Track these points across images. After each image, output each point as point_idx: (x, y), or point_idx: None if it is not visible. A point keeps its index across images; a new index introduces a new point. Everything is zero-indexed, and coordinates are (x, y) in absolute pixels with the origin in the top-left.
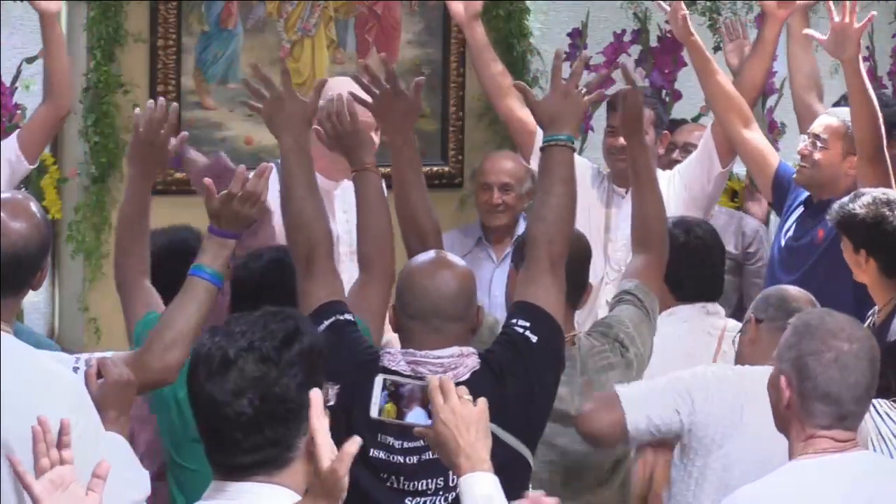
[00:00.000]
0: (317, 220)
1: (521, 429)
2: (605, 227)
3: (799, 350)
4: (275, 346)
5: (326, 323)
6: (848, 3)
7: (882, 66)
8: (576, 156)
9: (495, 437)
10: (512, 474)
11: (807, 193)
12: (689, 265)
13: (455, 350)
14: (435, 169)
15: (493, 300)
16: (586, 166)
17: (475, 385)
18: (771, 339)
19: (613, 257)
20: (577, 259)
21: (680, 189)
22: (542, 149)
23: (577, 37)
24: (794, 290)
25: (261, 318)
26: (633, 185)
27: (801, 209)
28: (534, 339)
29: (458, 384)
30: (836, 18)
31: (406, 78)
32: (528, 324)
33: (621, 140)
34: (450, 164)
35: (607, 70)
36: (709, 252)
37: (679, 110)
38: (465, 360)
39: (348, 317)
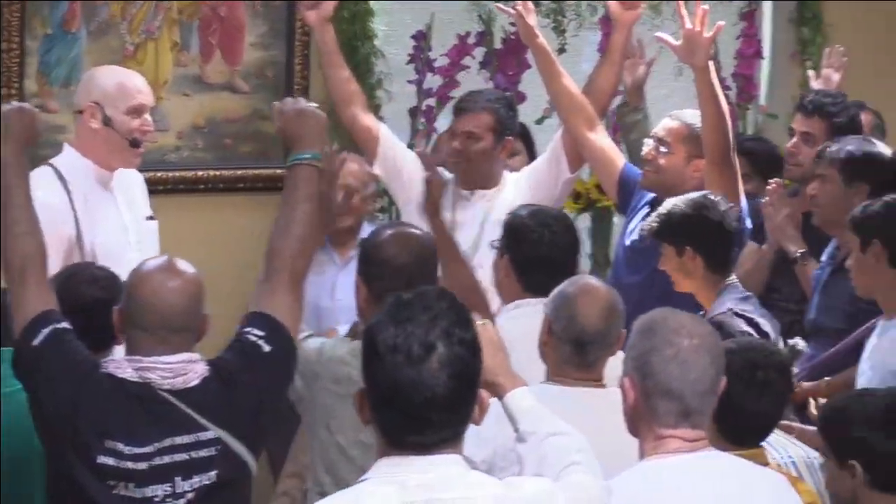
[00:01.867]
0: (33, 233)
1: (248, 438)
2: (450, 229)
3: (641, 349)
4: (462, 326)
5: (45, 332)
6: (700, 10)
7: (726, 68)
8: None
9: (225, 446)
10: (237, 484)
11: (652, 194)
12: (539, 259)
13: (184, 356)
14: (278, 171)
15: (337, 304)
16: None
17: (204, 391)
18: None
19: None
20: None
21: (526, 191)
22: (287, 167)
23: (422, 39)
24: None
25: (434, 299)
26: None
27: (646, 209)
28: (267, 348)
29: (186, 390)
30: (688, 25)
31: (250, 80)
32: (262, 333)
33: (457, 144)
34: None
35: (451, 72)
36: (561, 248)
37: (523, 112)
38: (194, 366)
39: (65, 325)
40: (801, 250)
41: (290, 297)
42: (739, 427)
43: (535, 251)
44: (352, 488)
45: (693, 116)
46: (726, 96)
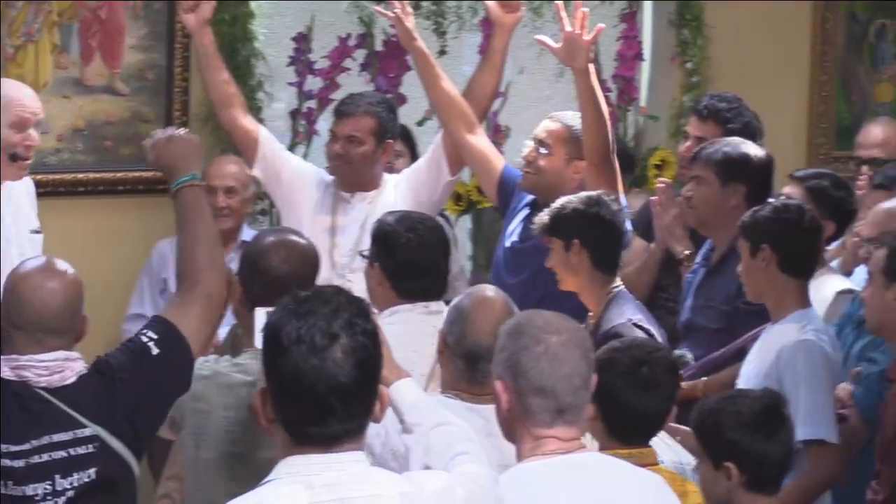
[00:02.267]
0: None
1: (127, 437)
2: (331, 232)
3: (510, 350)
4: (363, 317)
5: None
6: (579, 13)
7: (607, 70)
8: (301, 161)
9: (103, 443)
10: (119, 484)
11: (532, 196)
12: (410, 264)
13: (60, 354)
14: (159, 174)
15: None
16: (312, 172)
17: (81, 388)
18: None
19: (339, 262)
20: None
21: (407, 193)
22: (172, 195)
23: (302, 41)
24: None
25: (333, 294)
26: None
27: (526, 211)
28: (155, 351)
29: (62, 388)
30: (568, 28)
31: (130, 82)
32: (155, 337)
33: (338, 148)
34: None
35: (332, 74)
36: (431, 251)
37: (404, 114)
38: (71, 364)
39: None
40: (688, 251)
41: (198, 310)
42: (626, 425)
43: (407, 256)
44: (257, 490)
45: (573, 118)
46: (606, 98)
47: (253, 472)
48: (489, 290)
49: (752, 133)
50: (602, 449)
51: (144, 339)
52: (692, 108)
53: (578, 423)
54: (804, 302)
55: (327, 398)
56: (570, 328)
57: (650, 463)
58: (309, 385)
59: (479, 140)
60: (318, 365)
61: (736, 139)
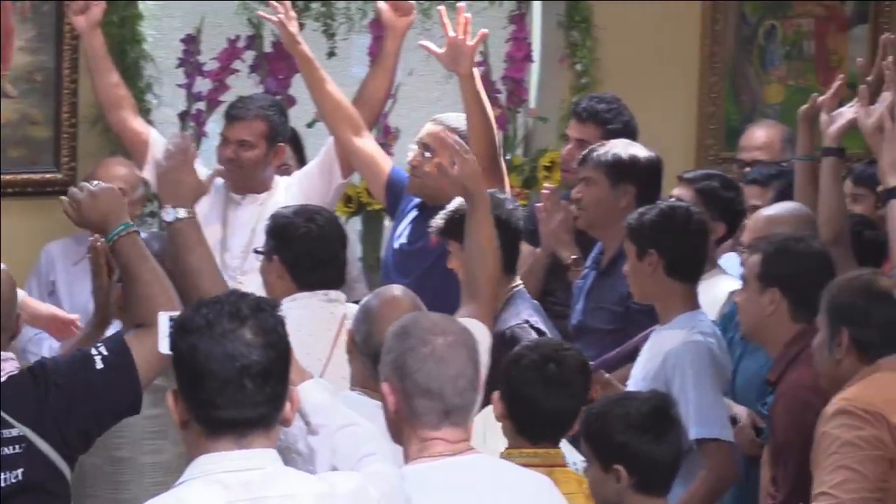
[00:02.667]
0: None
1: (57, 441)
2: (223, 235)
3: (396, 352)
4: (270, 306)
5: None
6: (462, 18)
7: (496, 72)
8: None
9: (31, 444)
10: (49, 488)
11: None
12: (309, 254)
13: None
14: (47, 176)
15: None
16: (202, 174)
17: (10, 388)
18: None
19: (231, 265)
20: None
21: (298, 195)
22: (110, 247)
23: (191, 42)
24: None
25: (236, 291)
26: None
27: (414, 213)
28: (100, 365)
29: None
30: (451, 33)
31: (19, 84)
32: (105, 352)
33: (230, 152)
34: (62, 170)
35: (221, 76)
36: (328, 241)
37: (294, 116)
38: (3, 364)
39: None
40: (575, 256)
41: (150, 335)
42: (534, 423)
43: (306, 247)
44: (173, 491)
45: (457, 120)
46: (496, 100)
47: (135, 477)
48: (397, 290)
49: (632, 132)
50: (510, 448)
51: (94, 350)
52: (572, 110)
53: (466, 425)
54: (692, 304)
55: (240, 377)
56: (456, 329)
57: (557, 464)
58: (220, 366)
59: (366, 143)
60: (229, 345)
61: (624, 141)
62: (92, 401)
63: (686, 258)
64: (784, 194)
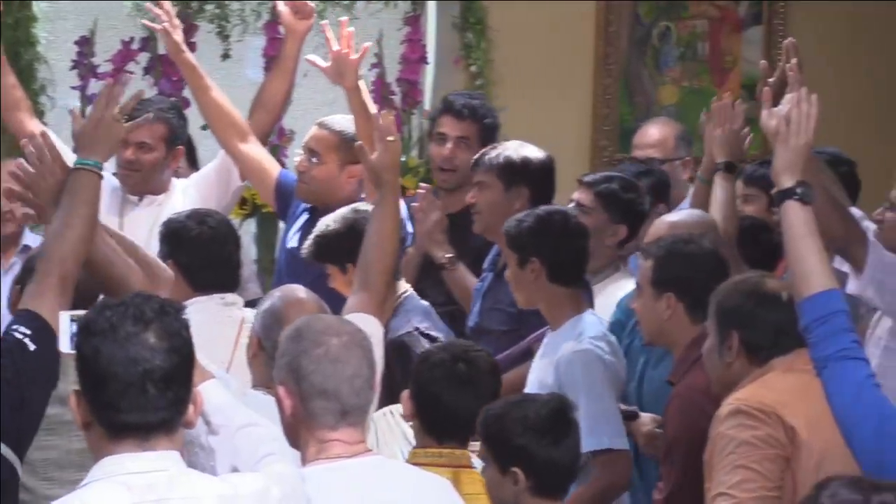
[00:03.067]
0: None
1: (10, 436)
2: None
3: (291, 354)
4: (175, 309)
5: None
6: (346, 32)
7: (391, 73)
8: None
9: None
10: (5, 488)
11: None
12: (202, 256)
13: None
14: None
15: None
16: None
17: None
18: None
19: None
20: None
21: (196, 198)
22: (72, 170)
23: (85, 45)
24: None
25: (140, 292)
26: None
27: (305, 216)
28: (32, 347)
29: None
30: (335, 47)
31: None
32: (28, 332)
33: (129, 154)
34: None
35: (116, 78)
36: (222, 242)
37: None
38: None
39: None
40: (449, 255)
41: (59, 301)
42: (441, 423)
43: (199, 248)
44: (77, 493)
45: (342, 122)
46: (391, 101)
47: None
48: (301, 292)
49: (497, 128)
50: (417, 448)
51: (18, 335)
52: (445, 109)
53: (362, 425)
54: (579, 307)
55: (142, 382)
56: (350, 330)
57: (463, 465)
58: (123, 369)
59: (252, 149)
60: (132, 349)
61: (515, 143)
62: (36, 386)
63: (567, 263)
64: (655, 191)
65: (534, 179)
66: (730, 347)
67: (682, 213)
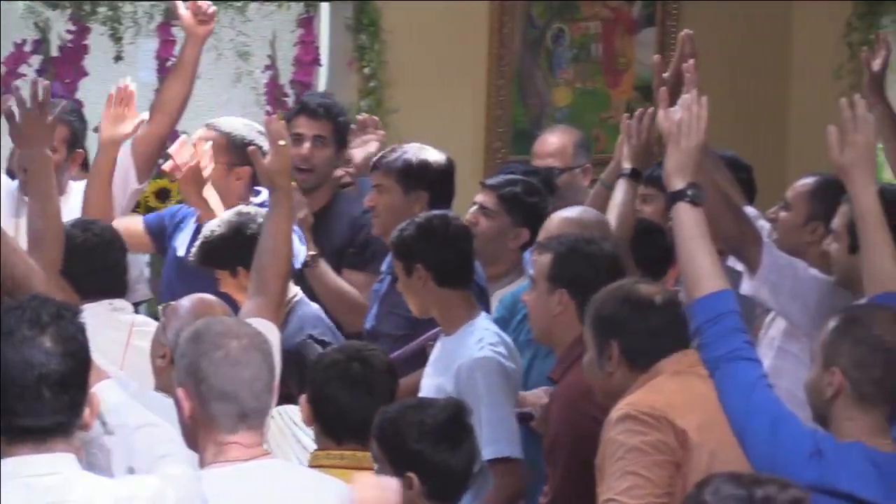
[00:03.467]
0: None
1: None
2: (15, 237)
3: (191, 356)
4: (71, 313)
5: None
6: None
7: (284, 75)
8: None
9: None
10: None
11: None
12: (89, 263)
13: None
14: None
15: None
16: None
17: None
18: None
19: None
20: None
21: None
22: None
23: None
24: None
25: (36, 296)
26: None
27: (194, 224)
28: None
29: None
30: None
31: None
32: None
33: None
34: None
35: (9, 80)
36: (108, 248)
37: None
38: None
39: None
40: (312, 253)
41: None
42: (339, 424)
43: (85, 255)
44: None
45: (231, 124)
46: (284, 104)
47: None
48: (207, 297)
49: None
50: (317, 450)
51: None
52: (300, 109)
53: (261, 428)
54: (472, 311)
55: (38, 386)
56: (249, 333)
57: (364, 467)
58: (19, 374)
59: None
60: (27, 353)
61: (416, 145)
62: None
63: (452, 266)
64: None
65: (433, 183)
66: (609, 357)
67: (575, 210)
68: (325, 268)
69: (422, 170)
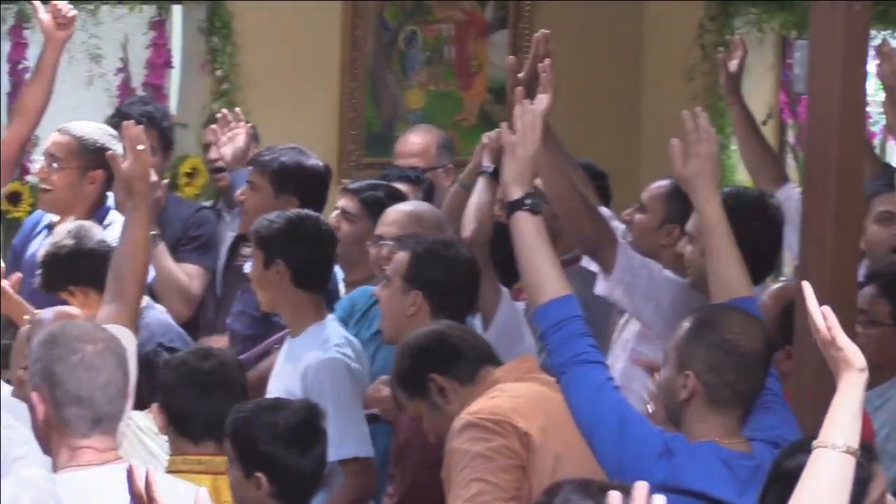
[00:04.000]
0: None
1: None
2: None
3: (46, 360)
4: None
5: None
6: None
7: (137, 78)
8: None
9: None
10: None
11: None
12: None
13: None
14: None
15: None
16: None
17: None
18: None
19: None
20: None
21: None
22: None
23: None
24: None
25: None
26: None
27: (45, 232)
28: None
29: None
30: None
31: None
32: None
33: None
34: None
35: None
36: None
37: None
38: None
39: None
40: (153, 233)
41: None
42: (191, 425)
43: None
44: None
45: (83, 128)
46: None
47: None
48: (69, 309)
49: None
50: (174, 454)
51: None
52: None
53: (114, 433)
54: (321, 314)
55: None
56: (105, 337)
57: (222, 472)
58: None
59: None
60: None
61: (295, 148)
62: None
63: (313, 268)
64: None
65: (304, 188)
66: (442, 392)
67: (410, 204)
68: (163, 249)
69: (296, 174)
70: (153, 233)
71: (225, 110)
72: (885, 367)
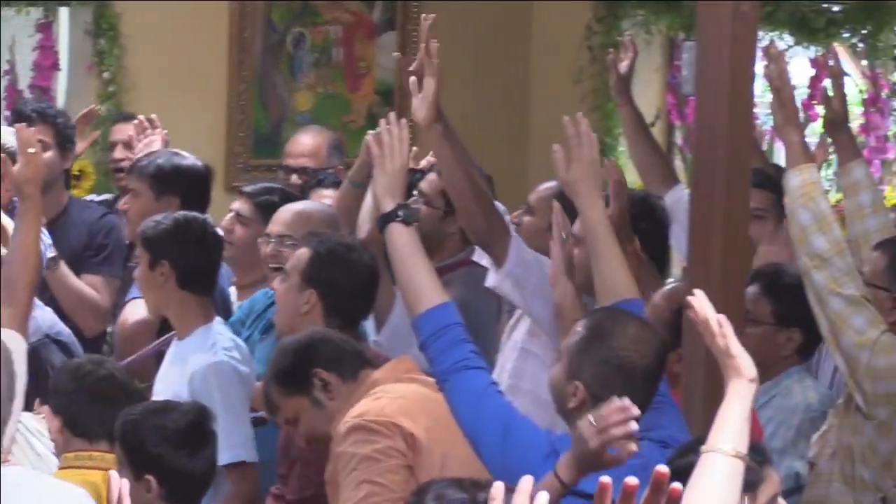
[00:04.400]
0: None
1: None
2: None
3: None
4: None
5: None
6: None
7: (24, 80)
8: None
9: None
10: None
11: None
12: None
13: None
14: None
15: None
16: None
17: None
18: None
19: None
20: None
21: None
22: None
23: None
24: None
25: None
26: None
27: None
28: None
29: None
30: None
31: None
32: None
33: None
34: None
35: None
36: None
37: None
38: None
39: None
40: (52, 255)
41: None
42: (88, 425)
43: None
44: None
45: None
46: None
47: None
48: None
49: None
50: (66, 452)
51: None
52: (15, 118)
53: (2, 435)
54: (208, 316)
55: None
56: None
57: (113, 468)
58: None
59: None
60: None
61: (170, 150)
62: None
63: (199, 271)
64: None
65: (185, 189)
66: (325, 387)
67: (301, 203)
68: (65, 269)
69: (174, 175)
70: (52, 255)
71: (141, 116)
72: (768, 366)
